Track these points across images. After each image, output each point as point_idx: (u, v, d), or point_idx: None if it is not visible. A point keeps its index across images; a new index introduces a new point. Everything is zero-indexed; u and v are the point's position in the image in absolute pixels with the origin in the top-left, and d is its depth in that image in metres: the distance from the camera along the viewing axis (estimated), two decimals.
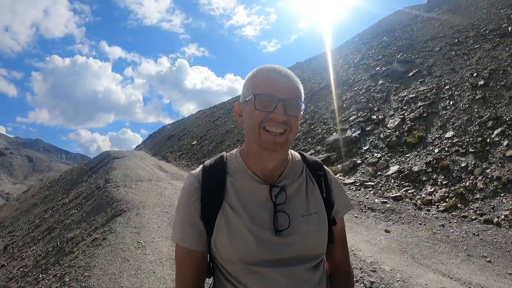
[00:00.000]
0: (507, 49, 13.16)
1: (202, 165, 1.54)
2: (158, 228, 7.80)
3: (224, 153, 1.58)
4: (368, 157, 11.53)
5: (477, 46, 14.78)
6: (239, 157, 1.51)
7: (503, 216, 7.07)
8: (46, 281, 6.58)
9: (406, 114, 12.68)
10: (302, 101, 1.40)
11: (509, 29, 14.59)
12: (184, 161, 23.51)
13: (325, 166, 1.67)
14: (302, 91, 1.43)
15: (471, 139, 9.72)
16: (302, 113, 1.42)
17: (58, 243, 9.06)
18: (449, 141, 10.08)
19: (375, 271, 5.42)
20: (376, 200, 8.98)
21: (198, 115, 42.90)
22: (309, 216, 1.44)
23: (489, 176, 8.29)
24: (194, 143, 27.42)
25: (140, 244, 6.85)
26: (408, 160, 10.39)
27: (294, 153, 1.60)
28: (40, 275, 7.15)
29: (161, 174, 17.14)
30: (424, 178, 9.34)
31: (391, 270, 5.45)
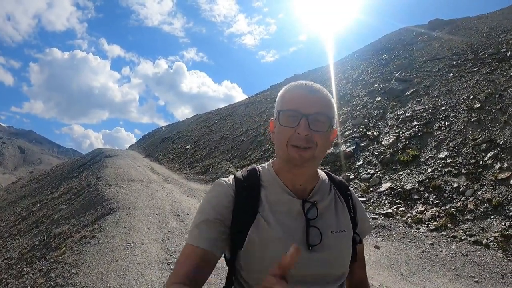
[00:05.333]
0: (505, 73, 13.30)
1: (233, 176, 1.49)
2: (148, 230, 7.75)
3: (255, 165, 1.56)
4: (361, 173, 11.56)
5: (475, 69, 14.94)
6: (272, 170, 1.48)
7: (492, 238, 7.12)
8: (31, 275, 6.52)
9: (401, 132, 12.75)
10: (331, 116, 1.35)
11: (508, 54, 14.76)
12: (176, 165, 23.43)
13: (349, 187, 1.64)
14: (333, 107, 1.39)
15: (464, 160, 9.78)
16: (332, 127, 1.38)
17: (45, 238, 8.99)
18: (443, 162, 10.14)
19: None
20: (367, 216, 8.98)
21: (194, 120, 42.84)
22: (339, 233, 1.42)
23: (480, 198, 8.35)
24: (188, 147, 27.35)
25: (129, 244, 6.80)
26: (400, 178, 10.43)
27: (321, 172, 1.56)
28: (25, 269, 7.09)
29: (153, 176, 17.06)
30: (415, 197, 9.38)
31: (379, 285, 5.46)
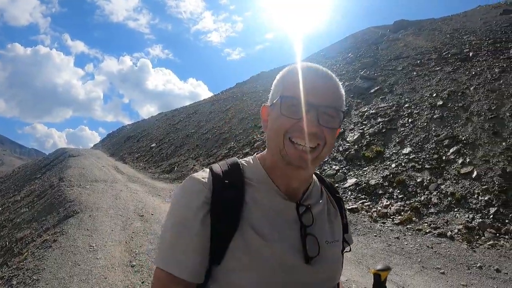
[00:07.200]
0: (467, 72, 13.68)
1: (209, 169, 1.19)
2: (111, 231, 7.66)
3: (236, 159, 1.27)
4: (326, 169, 11.63)
5: (438, 68, 15.31)
6: (259, 166, 1.22)
7: (456, 230, 7.28)
8: None
9: (365, 129, 12.92)
10: (342, 109, 1.14)
11: (470, 54, 15.22)
12: (141, 164, 23.31)
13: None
14: (344, 98, 1.17)
15: (427, 156, 9.97)
16: (340, 124, 1.16)
17: (7, 243, 8.76)
18: (406, 157, 10.31)
19: None
20: None
21: (159, 118, 42.87)
22: (333, 243, 1.23)
23: (444, 191, 8.52)
24: (153, 145, 27.29)
25: (92, 247, 6.71)
26: (365, 173, 10.56)
27: None
28: None
29: (117, 175, 16.90)
30: (380, 192, 9.50)
31: (346, 280, 5.49)
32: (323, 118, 1.07)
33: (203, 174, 1.16)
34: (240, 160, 1.26)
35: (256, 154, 1.29)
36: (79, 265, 5.97)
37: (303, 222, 1.16)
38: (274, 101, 1.14)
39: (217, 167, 1.19)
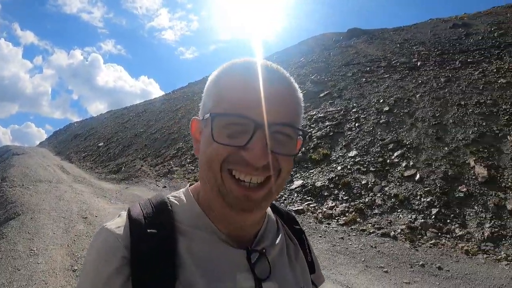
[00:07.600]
0: (414, 81, 14.21)
1: (127, 214, 0.86)
2: (53, 234, 7.41)
3: (163, 195, 0.94)
4: None
5: (386, 75, 15.79)
6: (194, 204, 0.90)
7: (399, 230, 7.41)
8: None
9: (313, 132, 13.02)
10: (300, 127, 0.84)
11: (418, 63, 15.82)
12: (88, 163, 22.81)
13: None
14: (302, 105, 0.87)
15: (372, 159, 10.16)
16: (299, 150, 0.89)
17: None
18: (352, 160, 10.46)
19: None
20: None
21: (108, 116, 42.32)
22: None
23: (388, 193, 8.68)
24: (100, 144, 26.81)
25: (33, 251, 6.47)
26: (312, 175, 10.61)
27: None
28: None
29: (62, 175, 16.42)
30: (326, 193, 9.57)
31: None
32: (276, 140, 0.77)
33: (118, 222, 0.85)
34: (169, 196, 0.94)
35: (189, 185, 0.98)
36: (19, 270, 5.74)
37: (256, 274, 0.86)
38: (205, 117, 0.82)
39: (137, 211, 0.86)
